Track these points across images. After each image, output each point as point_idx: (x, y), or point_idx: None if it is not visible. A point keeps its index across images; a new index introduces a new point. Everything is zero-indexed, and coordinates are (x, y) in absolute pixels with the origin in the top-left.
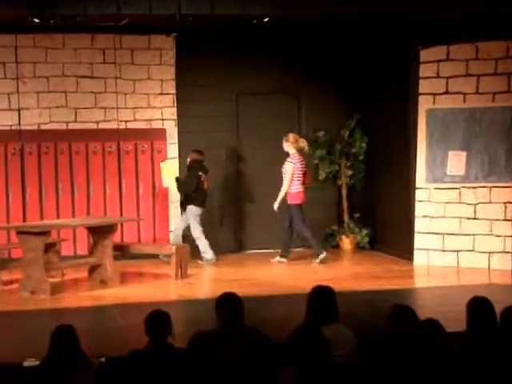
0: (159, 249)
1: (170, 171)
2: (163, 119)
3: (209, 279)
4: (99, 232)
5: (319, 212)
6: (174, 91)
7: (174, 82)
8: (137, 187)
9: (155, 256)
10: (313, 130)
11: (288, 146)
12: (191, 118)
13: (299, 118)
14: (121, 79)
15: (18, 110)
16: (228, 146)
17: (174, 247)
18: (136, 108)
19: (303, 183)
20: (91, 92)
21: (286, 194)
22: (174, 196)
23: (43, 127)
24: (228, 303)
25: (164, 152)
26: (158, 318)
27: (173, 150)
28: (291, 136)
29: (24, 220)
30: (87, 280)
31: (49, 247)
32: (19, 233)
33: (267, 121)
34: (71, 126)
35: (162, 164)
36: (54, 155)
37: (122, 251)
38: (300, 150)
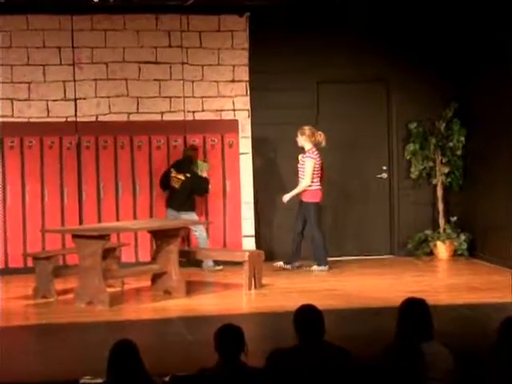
0: (230, 255)
1: None
2: (235, 110)
3: (285, 290)
4: (163, 236)
5: (411, 214)
6: (247, 78)
7: (247, 68)
8: None
9: (226, 263)
10: (404, 122)
11: (304, 140)
12: (266, 109)
13: (389, 108)
14: (188, 65)
15: (74, 100)
16: None
17: (246, 254)
18: (204, 97)
19: (321, 180)
20: (155, 79)
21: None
22: (247, 196)
23: (102, 119)
24: (307, 317)
25: (236, 146)
26: (229, 333)
27: (245, 144)
28: (307, 129)
29: (80, 222)
30: (150, 290)
31: (108, 253)
32: (75, 237)
33: (352, 112)
34: (133, 118)
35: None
36: (114, 150)
37: (188, 258)
38: (317, 145)
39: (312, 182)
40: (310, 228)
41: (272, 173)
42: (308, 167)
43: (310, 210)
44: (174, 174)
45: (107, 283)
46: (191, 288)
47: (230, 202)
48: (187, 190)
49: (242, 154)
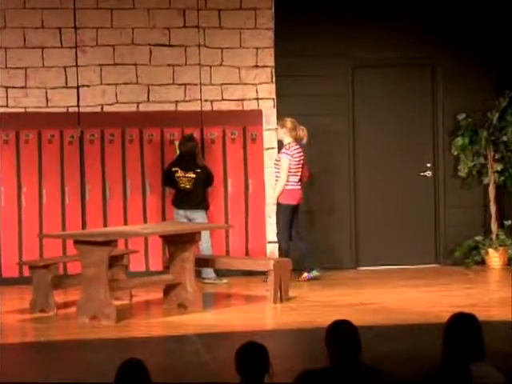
0: (253, 263)
1: None
2: (258, 99)
3: (316, 303)
4: (177, 242)
5: (459, 218)
6: (272, 63)
7: (272, 51)
8: (225, 185)
9: (247, 273)
10: (452, 113)
11: (284, 134)
12: (294, 98)
13: (434, 96)
14: (205, 48)
15: (77, 88)
16: (340, 132)
17: (271, 262)
18: (224, 84)
19: (300, 179)
20: (168, 64)
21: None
22: (272, 197)
23: (107, 109)
24: (341, 334)
25: (259, 140)
26: (252, 352)
27: (270, 137)
28: (289, 121)
29: (83, 226)
30: (162, 303)
31: (114, 261)
32: (77, 242)
33: (392, 101)
34: (142, 108)
35: None
36: (121, 144)
37: (205, 267)
38: (297, 140)
39: (287, 181)
40: (278, 230)
41: None
42: (283, 166)
43: (282, 211)
44: (181, 174)
45: (114, 295)
46: (209, 301)
47: (252, 203)
48: (201, 186)
49: (267, 149)
